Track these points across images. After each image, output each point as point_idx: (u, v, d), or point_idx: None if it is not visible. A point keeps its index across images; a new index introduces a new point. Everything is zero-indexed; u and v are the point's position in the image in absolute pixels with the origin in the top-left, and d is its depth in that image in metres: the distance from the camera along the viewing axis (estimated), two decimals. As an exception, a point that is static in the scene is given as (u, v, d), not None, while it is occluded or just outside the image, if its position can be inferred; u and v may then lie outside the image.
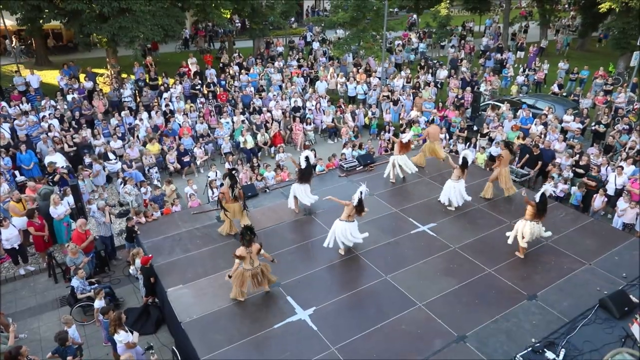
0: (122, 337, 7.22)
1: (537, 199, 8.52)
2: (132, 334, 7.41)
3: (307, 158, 10.13)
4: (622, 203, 11.12)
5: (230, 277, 7.76)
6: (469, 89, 18.59)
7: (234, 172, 9.71)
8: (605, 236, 9.58)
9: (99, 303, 8.24)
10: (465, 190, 10.43)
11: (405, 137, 11.55)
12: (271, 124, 16.08)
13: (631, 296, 7.64)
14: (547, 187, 8.94)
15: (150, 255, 8.86)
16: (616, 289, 7.84)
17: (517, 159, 13.19)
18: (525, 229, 8.67)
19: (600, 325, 7.24)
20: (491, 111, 16.14)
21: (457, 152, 13.35)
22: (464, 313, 7.59)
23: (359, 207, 8.71)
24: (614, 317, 7.32)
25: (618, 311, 7.34)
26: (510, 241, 8.97)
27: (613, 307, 7.38)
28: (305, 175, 10.23)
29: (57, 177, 12.03)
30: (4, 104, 15.66)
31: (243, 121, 15.89)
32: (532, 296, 7.92)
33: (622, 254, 8.95)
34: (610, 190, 11.87)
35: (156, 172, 13.70)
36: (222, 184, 11.70)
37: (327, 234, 9.00)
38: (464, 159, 10.40)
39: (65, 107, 16.02)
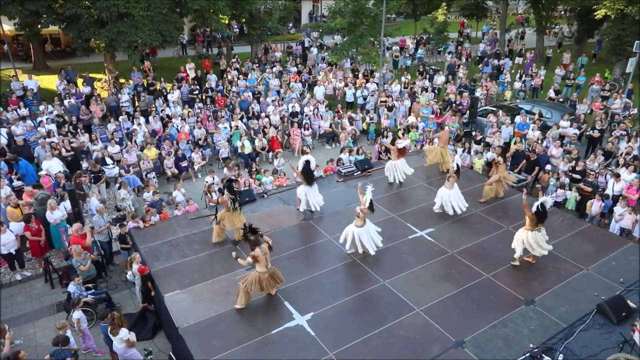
0: (124, 334, 7.20)
1: (535, 209, 8.39)
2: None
3: (307, 162, 10.16)
4: (619, 208, 11.18)
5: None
6: (466, 94, 18.67)
7: (233, 183, 9.60)
8: (602, 241, 9.58)
9: (77, 314, 8.03)
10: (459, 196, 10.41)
11: (402, 143, 11.64)
12: (269, 129, 16.10)
13: (629, 301, 7.65)
14: (547, 199, 8.73)
15: (146, 266, 8.82)
16: (613, 295, 7.84)
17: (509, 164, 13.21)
18: (529, 240, 8.51)
19: (597, 330, 7.24)
20: (493, 117, 16.15)
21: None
22: (462, 318, 7.58)
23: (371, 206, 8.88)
24: (611, 323, 7.33)
25: (616, 316, 7.34)
26: (517, 254, 8.75)
27: (611, 312, 7.38)
28: (310, 176, 10.26)
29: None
30: (0, 108, 15.65)
31: (238, 126, 15.89)
32: (529, 301, 7.92)
33: (619, 259, 8.96)
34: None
35: (154, 177, 13.68)
36: (220, 189, 11.70)
37: (324, 240, 8.95)
38: (457, 165, 10.50)
39: (63, 111, 16.01)
